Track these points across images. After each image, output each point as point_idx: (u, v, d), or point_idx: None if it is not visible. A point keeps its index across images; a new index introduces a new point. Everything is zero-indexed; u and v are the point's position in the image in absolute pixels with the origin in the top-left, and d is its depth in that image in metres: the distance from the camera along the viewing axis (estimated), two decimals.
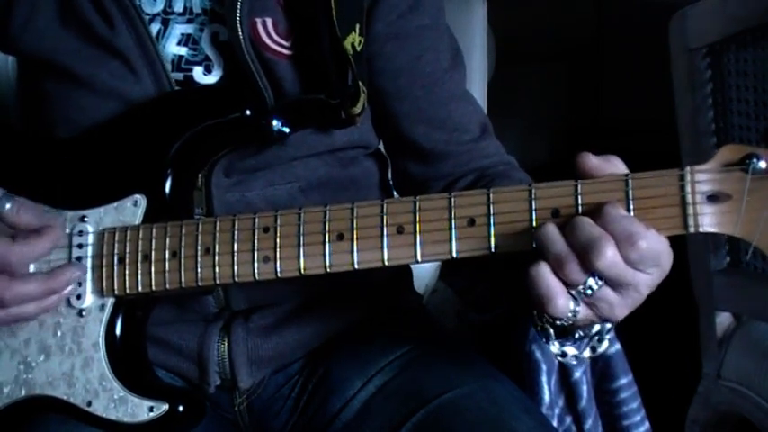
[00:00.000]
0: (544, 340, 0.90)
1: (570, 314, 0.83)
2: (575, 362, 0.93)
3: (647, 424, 1.16)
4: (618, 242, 0.80)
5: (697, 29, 1.55)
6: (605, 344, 0.90)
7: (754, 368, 1.59)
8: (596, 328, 0.89)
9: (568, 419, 1.16)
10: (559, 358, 0.91)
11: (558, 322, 0.84)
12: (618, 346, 1.13)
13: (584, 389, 1.14)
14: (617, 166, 0.85)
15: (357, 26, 1.08)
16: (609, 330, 0.90)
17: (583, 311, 0.83)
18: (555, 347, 0.90)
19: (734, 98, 1.55)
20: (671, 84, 1.62)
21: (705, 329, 1.68)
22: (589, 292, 0.82)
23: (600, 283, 0.81)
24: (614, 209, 0.81)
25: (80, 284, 1.01)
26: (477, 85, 1.66)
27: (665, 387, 1.68)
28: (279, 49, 1.07)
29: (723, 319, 1.66)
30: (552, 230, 0.83)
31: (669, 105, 1.64)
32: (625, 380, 1.15)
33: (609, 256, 0.80)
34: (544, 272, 0.82)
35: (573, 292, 0.82)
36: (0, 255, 0.96)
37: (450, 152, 1.15)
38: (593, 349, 0.90)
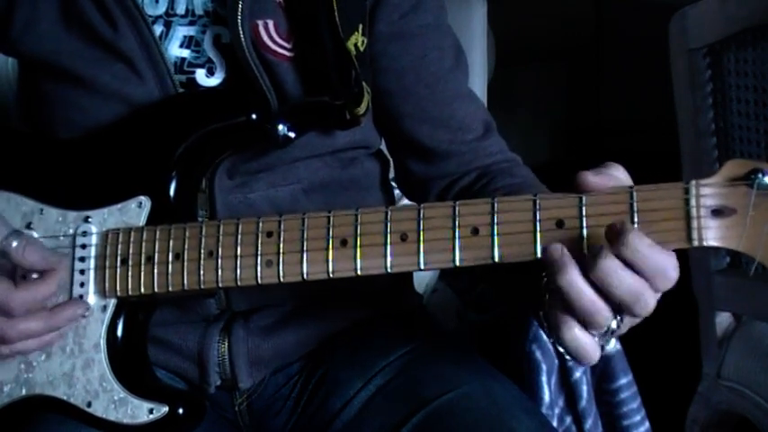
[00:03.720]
0: (553, 338, 0.90)
1: (600, 353, 0.83)
2: None
3: (647, 424, 1.16)
4: (649, 279, 0.79)
5: (697, 29, 1.55)
6: (613, 342, 0.90)
7: (755, 368, 1.59)
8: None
9: (568, 419, 1.16)
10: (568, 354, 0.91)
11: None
12: (618, 346, 1.14)
13: (585, 389, 1.14)
14: (616, 176, 0.85)
15: (360, 26, 1.08)
16: (617, 327, 0.89)
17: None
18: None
19: (734, 98, 1.55)
20: (671, 84, 1.62)
21: (705, 329, 1.68)
22: (616, 329, 0.82)
23: (625, 319, 0.82)
24: (641, 240, 0.79)
25: (82, 285, 1.01)
26: (477, 85, 1.66)
27: (665, 387, 1.69)
28: (280, 50, 1.07)
29: (723, 319, 1.66)
30: (579, 281, 0.80)
31: (669, 105, 1.64)
32: (625, 380, 1.15)
33: (651, 304, 0.80)
34: (577, 335, 0.81)
35: (596, 334, 0.82)
36: (2, 299, 0.96)
37: (453, 151, 1.15)
38: (602, 347, 0.90)
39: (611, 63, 3.21)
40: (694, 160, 1.61)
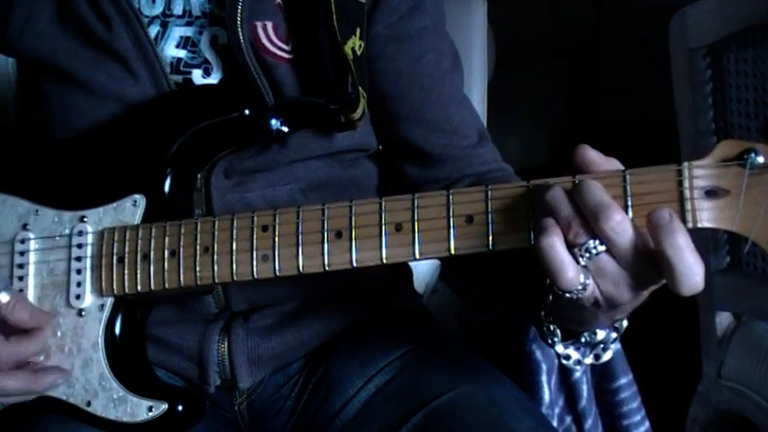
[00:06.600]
0: (550, 342, 0.90)
1: (580, 287, 0.81)
2: (577, 366, 0.92)
3: (646, 424, 1.16)
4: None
5: (697, 29, 1.55)
6: (609, 353, 0.90)
7: (754, 368, 1.59)
8: (601, 335, 0.89)
9: (568, 419, 1.16)
10: (563, 361, 0.90)
11: (566, 295, 0.82)
12: (618, 345, 1.13)
13: (584, 388, 1.14)
14: (615, 165, 0.84)
15: (358, 30, 1.07)
16: (614, 340, 0.89)
17: (590, 288, 0.82)
18: (560, 349, 0.90)
19: (734, 98, 1.55)
20: (671, 84, 1.62)
21: (705, 329, 1.68)
22: (587, 255, 0.80)
23: (600, 248, 0.80)
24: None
25: (79, 285, 1.01)
26: (478, 85, 1.65)
27: (665, 387, 1.68)
28: (279, 52, 1.07)
29: (723, 319, 1.66)
30: (560, 193, 0.81)
31: (669, 105, 1.64)
32: (625, 379, 1.15)
33: (617, 220, 0.78)
34: (555, 243, 0.80)
35: (576, 251, 0.80)
36: None
37: (448, 156, 1.14)
38: (597, 357, 0.90)
39: (611, 63, 3.20)
40: (694, 160, 1.61)
